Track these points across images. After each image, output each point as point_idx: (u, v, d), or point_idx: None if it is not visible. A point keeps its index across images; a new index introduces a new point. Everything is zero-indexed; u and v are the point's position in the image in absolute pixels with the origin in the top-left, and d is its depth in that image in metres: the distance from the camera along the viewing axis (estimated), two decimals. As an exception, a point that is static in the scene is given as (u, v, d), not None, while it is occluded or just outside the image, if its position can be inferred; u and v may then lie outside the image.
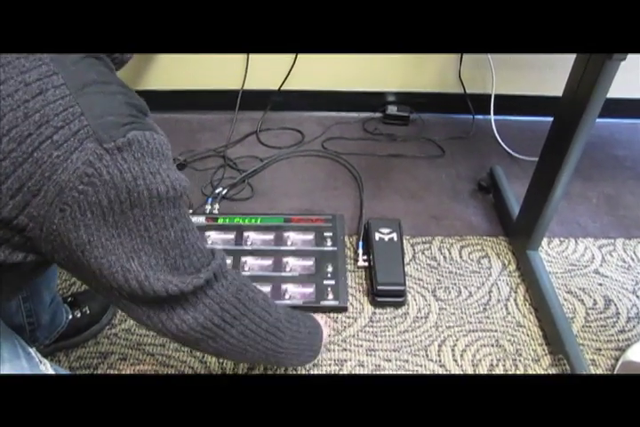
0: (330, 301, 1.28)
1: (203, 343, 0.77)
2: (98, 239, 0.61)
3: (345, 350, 1.22)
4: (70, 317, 1.19)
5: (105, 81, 0.60)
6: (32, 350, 0.83)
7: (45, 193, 0.56)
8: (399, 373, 1.18)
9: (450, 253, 1.44)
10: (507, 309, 1.31)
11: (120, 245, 0.62)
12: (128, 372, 1.17)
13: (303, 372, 1.17)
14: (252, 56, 1.77)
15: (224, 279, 0.75)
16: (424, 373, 1.18)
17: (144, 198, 0.60)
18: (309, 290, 1.30)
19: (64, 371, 0.93)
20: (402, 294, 1.30)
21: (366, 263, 1.38)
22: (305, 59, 1.78)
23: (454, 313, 1.30)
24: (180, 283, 0.68)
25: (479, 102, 1.86)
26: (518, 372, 1.19)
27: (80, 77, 0.57)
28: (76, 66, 0.58)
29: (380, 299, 1.30)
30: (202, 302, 0.72)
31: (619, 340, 1.25)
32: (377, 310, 1.30)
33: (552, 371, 1.19)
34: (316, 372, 1.17)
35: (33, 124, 0.54)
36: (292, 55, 1.77)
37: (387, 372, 1.18)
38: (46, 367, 0.82)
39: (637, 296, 1.35)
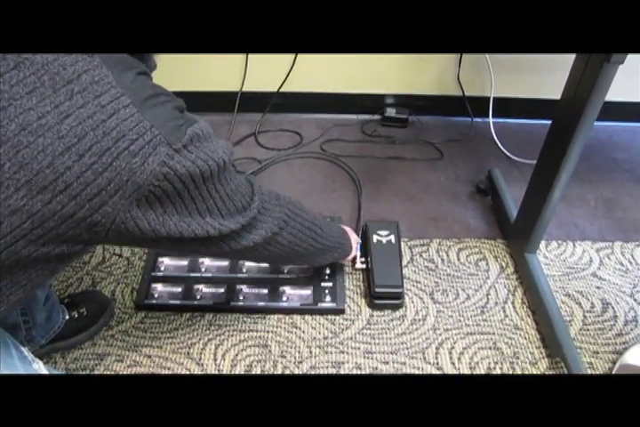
0: (327, 303, 1.28)
1: (258, 251, 0.93)
2: (173, 213, 0.73)
3: (342, 352, 1.22)
4: (67, 317, 1.19)
5: (156, 93, 0.68)
6: (25, 350, 0.83)
7: (123, 193, 0.65)
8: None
9: (448, 256, 1.44)
10: (504, 311, 1.31)
11: (195, 210, 0.75)
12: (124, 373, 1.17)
13: (300, 373, 1.17)
14: (250, 58, 1.77)
15: (265, 196, 0.92)
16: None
17: (214, 172, 0.73)
18: (307, 292, 1.30)
19: (56, 371, 0.93)
20: (399, 296, 1.30)
21: (364, 265, 1.37)
22: (304, 61, 1.78)
23: (452, 316, 1.30)
24: (246, 216, 0.84)
25: (478, 105, 1.86)
26: (516, 375, 1.19)
27: (140, 95, 0.66)
28: (135, 84, 0.66)
29: (377, 301, 1.30)
30: (259, 220, 0.89)
31: (616, 343, 1.25)
32: (374, 313, 1.30)
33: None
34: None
35: (111, 139, 0.62)
36: (291, 57, 1.77)
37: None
38: (39, 367, 0.82)
39: (635, 299, 1.35)
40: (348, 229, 1.29)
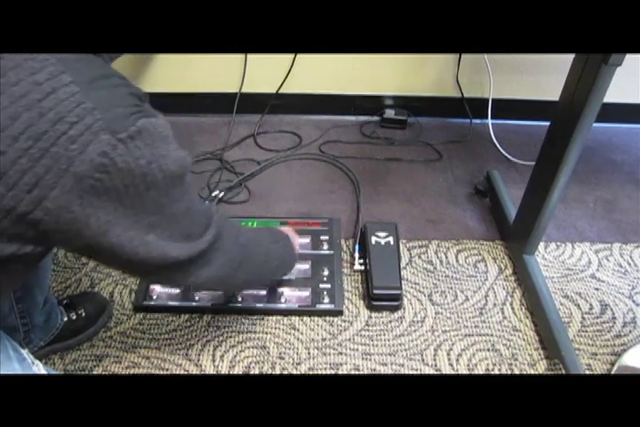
0: (326, 304, 1.28)
1: (215, 286, 0.92)
2: (116, 219, 0.65)
3: (341, 353, 1.21)
4: (65, 319, 1.18)
5: (107, 75, 0.63)
6: (24, 352, 0.82)
7: (63, 186, 0.59)
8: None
9: (446, 257, 1.44)
10: (503, 313, 1.31)
11: (138, 223, 0.68)
12: (123, 375, 1.16)
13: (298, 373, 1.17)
14: (249, 59, 1.78)
15: (224, 231, 0.83)
16: (420, 377, 1.18)
17: (158, 180, 0.65)
18: (305, 293, 1.30)
19: (56, 373, 0.93)
20: (398, 297, 1.30)
21: (362, 267, 1.38)
22: (303, 62, 1.78)
23: (450, 317, 1.30)
24: (194, 246, 0.77)
25: (476, 106, 1.86)
26: (514, 376, 1.19)
27: (85, 74, 0.60)
28: (80, 63, 0.60)
29: (375, 303, 1.29)
30: (211, 256, 0.81)
31: (615, 345, 1.25)
32: (373, 314, 1.30)
33: (548, 376, 1.19)
34: (311, 376, 1.17)
35: (48, 121, 0.57)
36: (290, 58, 1.77)
37: (382, 376, 1.18)
38: (39, 369, 0.82)
39: (633, 301, 1.35)
40: (290, 234, 1.19)
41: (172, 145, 0.68)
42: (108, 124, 0.59)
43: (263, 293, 1.29)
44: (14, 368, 0.78)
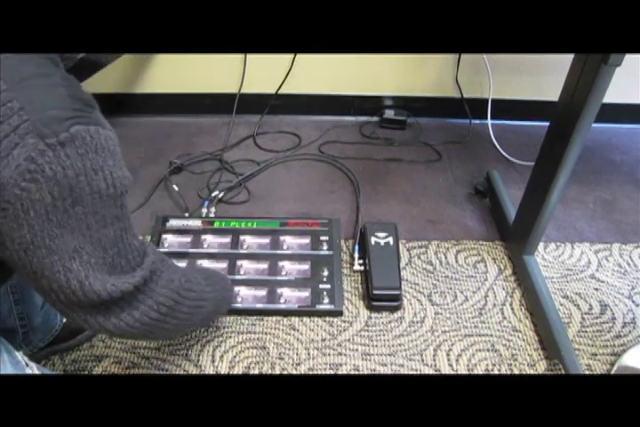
0: (325, 305, 1.28)
1: (140, 336, 0.80)
2: (41, 239, 0.60)
3: (340, 354, 1.21)
4: (64, 319, 1.18)
5: (45, 73, 0.58)
6: (18, 354, 0.82)
7: None
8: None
9: (446, 258, 1.44)
10: (502, 313, 1.31)
11: (63, 245, 0.61)
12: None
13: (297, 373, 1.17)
14: (249, 59, 1.78)
15: (156, 275, 0.75)
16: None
17: (85, 195, 0.60)
18: (305, 294, 1.30)
19: (53, 373, 0.93)
20: (397, 298, 1.30)
21: (362, 267, 1.38)
22: (302, 62, 1.78)
23: (450, 318, 1.30)
24: (119, 282, 0.68)
25: (476, 107, 1.86)
26: (514, 377, 1.19)
27: (16, 70, 0.55)
28: (11, 60, 0.55)
29: (375, 303, 1.29)
30: (137, 299, 0.73)
31: (614, 345, 1.25)
32: (372, 315, 1.30)
33: (547, 376, 1.19)
34: (310, 376, 1.17)
35: None
36: (290, 59, 1.77)
37: (382, 376, 1.18)
38: (33, 371, 0.81)
39: (633, 301, 1.35)
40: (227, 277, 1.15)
41: (112, 160, 0.61)
42: (36, 127, 0.54)
43: (263, 293, 1.29)
44: (7, 371, 0.77)
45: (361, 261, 1.38)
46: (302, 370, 1.18)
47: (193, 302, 0.86)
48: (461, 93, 1.87)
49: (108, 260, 0.67)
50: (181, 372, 1.17)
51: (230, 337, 1.24)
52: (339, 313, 1.29)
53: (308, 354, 1.21)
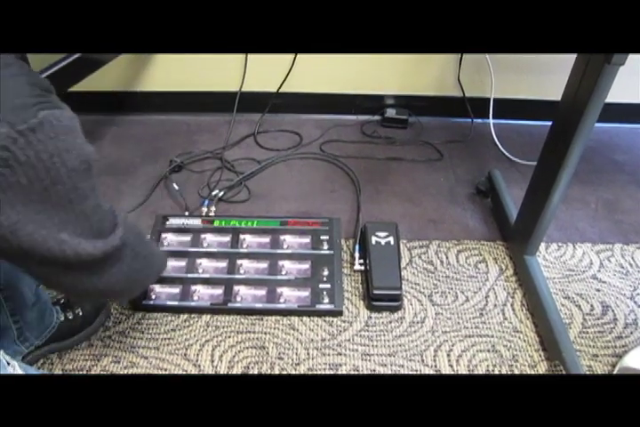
0: (325, 304, 1.27)
1: (124, 287, 0.87)
2: (26, 216, 0.63)
3: (340, 354, 1.21)
4: (62, 318, 1.18)
5: (4, 64, 0.59)
6: None
7: None
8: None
9: (447, 258, 1.44)
10: (503, 314, 1.30)
11: (49, 220, 0.65)
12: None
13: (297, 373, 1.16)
14: (250, 58, 1.77)
15: (128, 227, 0.82)
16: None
17: (62, 174, 0.63)
18: (305, 293, 1.29)
19: (36, 372, 0.92)
20: (398, 298, 1.29)
21: (362, 267, 1.37)
22: (303, 61, 1.77)
23: (450, 318, 1.29)
24: (107, 242, 0.75)
25: (478, 106, 1.86)
26: (514, 378, 1.18)
27: None
28: None
29: (375, 303, 1.29)
30: (124, 252, 0.80)
31: (616, 346, 1.25)
32: (373, 315, 1.29)
33: (548, 377, 1.18)
34: (310, 376, 1.17)
35: None
36: (291, 57, 1.77)
37: (382, 377, 1.17)
38: (14, 369, 0.81)
39: (635, 302, 1.34)
40: None
41: (78, 139, 0.65)
42: (4, 116, 0.56)
43: (262, 292, 1.29)
44: None
45: (361, 261, 1.38)
46: (302, 370, 1.17)
47: (150, 246, 1.00)
48: (463, 92, 1.86)
49: (94, 226, 0.72)
50: (180, 371, 1.17)
51: (230, 337, 1.23)
52: (339, 313, 1.28)
53: (308, 354, 1.21)
